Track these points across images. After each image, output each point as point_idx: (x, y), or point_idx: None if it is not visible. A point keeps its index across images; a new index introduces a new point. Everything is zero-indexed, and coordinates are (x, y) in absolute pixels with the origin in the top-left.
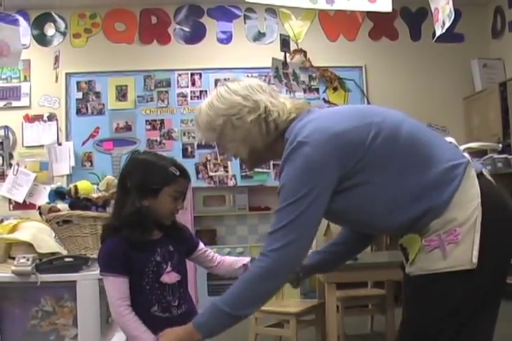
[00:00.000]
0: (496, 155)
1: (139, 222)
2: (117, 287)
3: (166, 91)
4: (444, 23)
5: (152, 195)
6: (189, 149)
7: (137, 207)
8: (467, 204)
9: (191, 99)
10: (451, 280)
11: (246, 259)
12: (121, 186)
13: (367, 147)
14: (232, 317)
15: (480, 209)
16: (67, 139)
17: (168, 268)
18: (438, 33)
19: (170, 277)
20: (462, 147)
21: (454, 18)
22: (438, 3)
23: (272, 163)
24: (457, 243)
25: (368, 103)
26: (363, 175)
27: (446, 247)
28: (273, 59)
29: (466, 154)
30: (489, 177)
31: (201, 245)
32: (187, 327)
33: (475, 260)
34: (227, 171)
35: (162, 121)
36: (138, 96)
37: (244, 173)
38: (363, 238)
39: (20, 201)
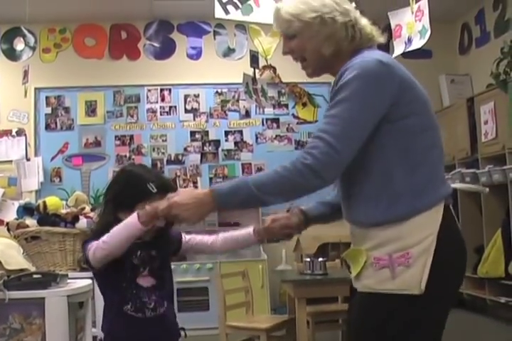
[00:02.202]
0: (464, 170)
1: None
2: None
3: (136, 107)
4: (409, 39)
5: (128, 208)
6: (158, 165)
7: (109, 220)
8: (424, 228)
9: (161, 114)
10: (397, 302)
11: (249, 229)
12: (103, 196)
13: (415, 110)
14: (251, 196)
15: (435, 238)
16: (35, 154)
17: (145, 273)
18: (399, 49)
19: (145, 280)
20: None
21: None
22: (401, 20)
23: None
24: (408, 266)
25: None
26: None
27: (396, 269)
28: (244, 74)
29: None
30: (453, 213)
31: (185, 237)
32: (205, 190)
33: (423, 286)
34: (196, 187)
35: (131, 137)
36: (107, 112)
37: None
38: None
39: None
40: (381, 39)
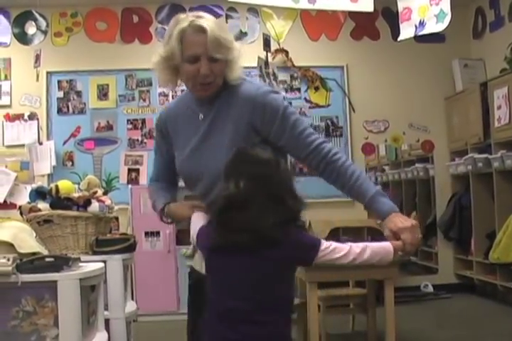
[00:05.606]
0: (476, 155)
1: None
2: None
3: (148, 91)
4: (421, 23)
5: None
6: None
7: None
8: None
9: (172, 98)
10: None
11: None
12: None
13: None
14: None
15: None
16: (48, 138)
17: None
18: (407, 33)
19: None
20: None
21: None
22: (411, 3)
23: None
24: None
25: (350, 102)
26: None
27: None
28: (258, 58)
29: None
30: None
31: None
32: None
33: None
34: None
35: (143, 121)
36: (119, 96)
37: None
38: None
39: (1, 201)
40: None
